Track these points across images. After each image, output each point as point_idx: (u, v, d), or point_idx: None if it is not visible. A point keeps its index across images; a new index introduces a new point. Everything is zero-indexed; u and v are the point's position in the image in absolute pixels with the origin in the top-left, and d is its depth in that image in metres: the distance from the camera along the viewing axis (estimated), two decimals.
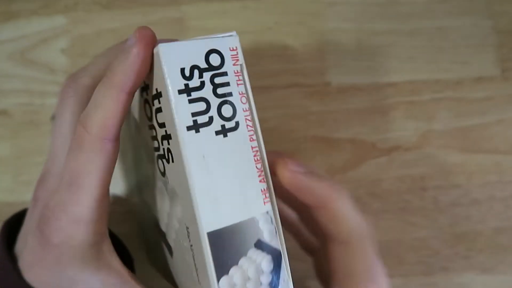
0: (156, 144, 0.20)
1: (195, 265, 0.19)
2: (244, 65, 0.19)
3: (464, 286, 0.34)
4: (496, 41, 0.34)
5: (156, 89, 0.18)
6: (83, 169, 0.19)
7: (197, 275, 0.19)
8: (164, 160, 0.20)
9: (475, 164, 0.34)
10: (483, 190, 0.34)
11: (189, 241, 0.19)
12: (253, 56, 0.35)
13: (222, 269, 0.18)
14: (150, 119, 0.20)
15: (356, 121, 0.34)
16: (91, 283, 0.20)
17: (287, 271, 0.19)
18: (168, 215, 0.21)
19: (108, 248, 0.21)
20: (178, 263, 0.22)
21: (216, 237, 0.18)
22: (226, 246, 0.18)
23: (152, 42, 0.18)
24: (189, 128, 0.17)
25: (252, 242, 0.18)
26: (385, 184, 0.33)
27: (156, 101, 0.19)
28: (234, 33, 0.19)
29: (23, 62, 0.35)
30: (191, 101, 0.18)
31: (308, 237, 0.28)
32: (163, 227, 0.23)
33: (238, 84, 0.19)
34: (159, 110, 0.19)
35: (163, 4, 0.35)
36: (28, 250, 0.20)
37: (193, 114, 0.18)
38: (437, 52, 0.34)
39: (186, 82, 0.18)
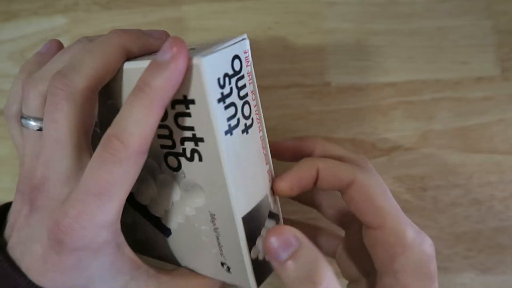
0: (168, 142, 0.21)
1: (218, 243, 0.23)
2: (252, 64, 0.21)
3: (464, 286, 0.34)
4: (496, 41, 0.34)
5: (185, 96, 0.19)
6: (117, 181, 0.19)
7: (220, 250, 0.23)
8: (183, 158, 0.21)
9: (475, 164, 0.34)
10: (483, 190, 0.34)
11: (214, 224, 0.22)
12: (253, 56, 0.34)
13: (251, 242, 0.22)
14: (163, 119, 0.21)
15: (356, 121, 0.34)
16: (107, 275, 0.22)
17: None
18: (174, 204, 0.23)
19: (122, 241, 0.22)
20: (182, 242, 0.25)
21: (247, 219, 0.21)
22: (253, 223, 0.22)
23: (188, 53, 0.18)
24: (226, 133, 0.19)
25: (266, 214, 0.23)
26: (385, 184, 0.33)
27: (180, 106, 0.19)
28: (245, 36, 0.20)
29: (23, 62, 0.35)
30: (226, 107, 0.19)
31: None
32: (158, 213, 0.25)
33: (249, 83, 0.21)
34: (184, 114, 0.20)
35: (163, 4, 0.35)
36: (38, 258, 0.20)
37: (228, 119, 0.19)
38: (437, 52, 0.34)
39: (221, 91, 0.19)
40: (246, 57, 0.20)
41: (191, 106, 0.19)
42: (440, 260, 0.33)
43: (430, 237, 0.23)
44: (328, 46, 0.34)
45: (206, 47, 0.20)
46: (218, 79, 0.19)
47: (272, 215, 0.23)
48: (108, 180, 0.19)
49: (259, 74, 0.35)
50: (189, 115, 0.19)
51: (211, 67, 0.18)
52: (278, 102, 0.34)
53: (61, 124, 0.20)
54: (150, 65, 0.19)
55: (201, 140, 0.20)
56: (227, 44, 0.19)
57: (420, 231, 0.23)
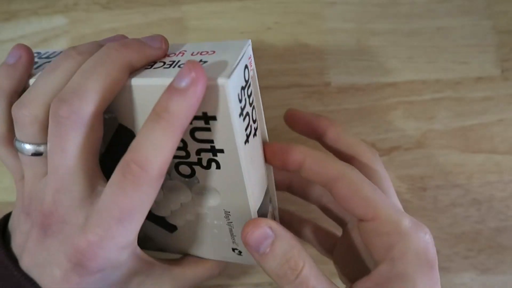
0: (181, 153, 0.21)
1: (231, 234, 0.24)
2: (254, 66, 0.21)
3: (464, 286, 0.34)
4: (496, 41, 0.34)
5: (205, 113, 0.19)
6: (138, 206, 0.19)
7: (233, 239, 0.25)
8: (198, 167, 0.22)
9: (475, 164, 0.34)
10: (483, 190, 0.34)
11: (227, 219, 0.24)
12: (253, 56, 0.35)
13: None
14: None
15: (356, 121, 0.34)
16: (125, 279, 0.23)
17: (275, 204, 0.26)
18: (182, 204, 0.24)
19: (139, 250, 0.23)
20: (189, 235, 0.26)
21: (260, 210, 0.23)
22: (262, 212, 0.23)
23: (206, 77, 0.18)
24: (245, 143, 0.20)
25: (269, 200, 0.24)
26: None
27: (198, 121, 0.19)
28: (249, 42, 0.20)
29: None
30: (244, 119, 0.20)
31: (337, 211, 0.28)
32: (162, 214, 0.25)
33: (253, 86, 0.21)
34: (203, 129, 0.20)
35: (163, 4, 0.35)
36: (59, 280, 0.21)
37: (245, 129, 0.20)
38: (437, 52, 0.34)
39: (240, 105, 0.19)
40: (250, 62, 0.20)
41: (211, 121, 0.19)
42: (440, 260, 0.33)
43: None
44: (328, 46, 0.34)
45: (214, 57, 0.20)
46: (238, 95, 0.19)
47: (270, 200, 0.25)
48: (128, 205, 0.19)
49: (259, 74, 0.35)
50: (208, 129, 0.20)
51: (233, 86, 0.18)
52: (278, 102, 0.34)
53: (70, 153, 0.20)
54: (168, 89, 0.18)
55: (221, 151, 0.20)
56: (236, 54, 0.19)
57: (416, 221, 0.23)
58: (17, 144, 0.21)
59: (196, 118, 0.19)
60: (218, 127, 0.19)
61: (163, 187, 0.24)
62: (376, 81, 0.34)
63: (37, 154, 0.21)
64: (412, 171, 0.34)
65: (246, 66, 0.20)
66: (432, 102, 0.34)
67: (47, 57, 0.25)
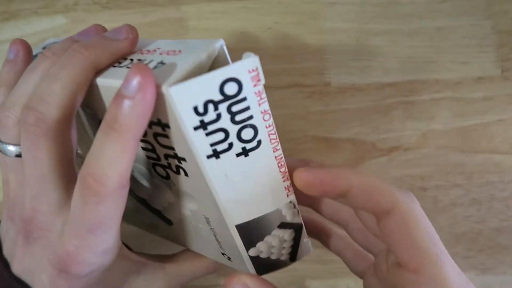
0: (153, 155, 0.21)
1: (217, 239, 0.23)
2: (264, 82, 0.18)
3: None
4: (496, 41, 0.34)
5: (159, 119, 0.18)
6: (106, 216, 0.19)
7: (219, 244, 0.23)
8: (170, 171, 0.20)
9: (475, 164, 0.34)
10: (483, 190, 0.34)
11: (209, 225, 0.22)
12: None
13: (250, 244, 0.22)
14: (143, 135, 0.20)
15: (356, 121, 0.34)
16: (117, 279, 0.23)
17: (306, 234, 0.23)
18: (169, 203, 0.24)
19: (126, 251, 0.23)
20: (183, 232, 0.25)
21: (243, 227, 0.21)
22: (252, 230, 0.21)
23: (154, 81, 0.16)
24: (209, 157, 0.18)
25: (276, 224, 0.21)
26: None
27: (156, 127, 0.18)
28: (252, 54, 0.17)
29: None
30: (208, 134, 0.17)
31: (362, 243, 0.25)
32: (157, 207, 0.25)
33: (260, 104, 0.18)
34: (162, 135, 0.19)
35: (163, 4, 0.35)
36: (48, 286, 0.21)
37: (212, 145, 0.18)
38: (437, 52, 0.34)
39: (201, 118, 0.17)
40: (253, 77, 0.17)
41: (166, 129, 0.18)
42: None
43: None
44: (328, 46, 0.34)
45: (175, 58, 0.18)
46: (195, 107, 0.16)
47: (286, 225, 0.22)
48: (96, 217, 0.18)
49: None
50: (166, 136, 0.18)
51: (183, 96, 0.16)
52: (278, 102, 0.34)
53: (43, 161, 0.19)
54: (115, 97, 0.17)
55: (183, 159, 0.19)
56: (199, 55, 0.17)
57: (468, 282, 0.20)
58: (0, 146, 0.21)
59: (153, 123, 0.18)
60: (173, 135, 0.18)
61: (149, 182, 0.23)
62: (376, 81, 0.34)
63: (20, 155, 0.21)
64: (412, 171, 0.34)
65: (233, 80, 0.17)
66: (432, 102, 0.34)
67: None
